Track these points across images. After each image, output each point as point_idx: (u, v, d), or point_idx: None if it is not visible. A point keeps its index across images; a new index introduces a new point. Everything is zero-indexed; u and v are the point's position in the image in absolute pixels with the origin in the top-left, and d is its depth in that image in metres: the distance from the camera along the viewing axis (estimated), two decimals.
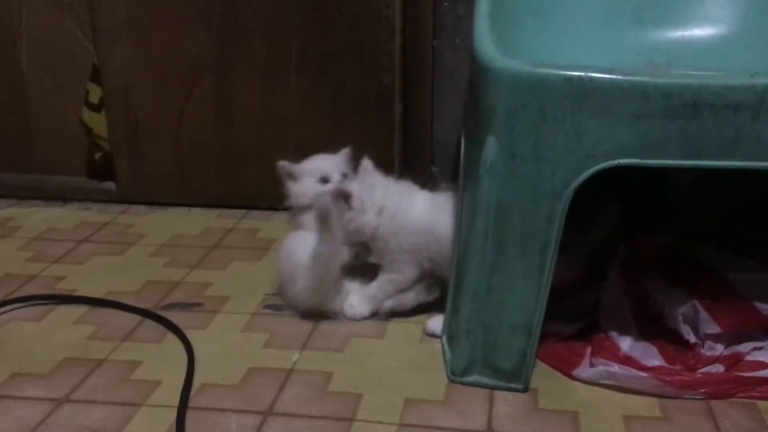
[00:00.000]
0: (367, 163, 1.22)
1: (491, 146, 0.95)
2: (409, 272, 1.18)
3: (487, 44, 0.98)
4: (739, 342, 1.06)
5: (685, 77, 0.89)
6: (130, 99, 1.68)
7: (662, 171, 1.37)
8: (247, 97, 1.64)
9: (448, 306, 1.12)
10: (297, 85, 1.61)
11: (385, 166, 1.53)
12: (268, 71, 1.61)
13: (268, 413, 0.97)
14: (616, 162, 0.91)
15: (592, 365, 1.04)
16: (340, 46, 1.57)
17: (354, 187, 1.18)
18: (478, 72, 0.98)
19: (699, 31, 1.26)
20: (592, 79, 0.90)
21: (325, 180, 1.30)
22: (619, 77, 0.89)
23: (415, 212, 1.17)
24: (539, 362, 1.06)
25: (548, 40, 1.23)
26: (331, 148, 1.60)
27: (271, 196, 1.68)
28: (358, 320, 1.20)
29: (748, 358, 1.04)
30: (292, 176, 1.32)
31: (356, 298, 1.21)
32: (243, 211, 1.70)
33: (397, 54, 1.56)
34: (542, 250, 0.96)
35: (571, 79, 0.90)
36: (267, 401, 0.99)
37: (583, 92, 0.90)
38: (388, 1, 1.52)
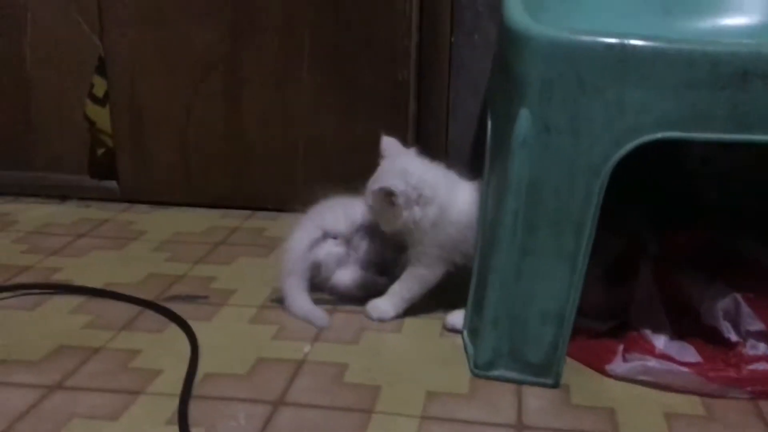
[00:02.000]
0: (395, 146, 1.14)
1: (524, 119, 0.89)
2: (439, 269, 1.09)
3: (519, 12, 0.93)
4: None
5: (735, 45, 0.84)
6: (136, 92, 1.62)
7: (690, 170, 1.32)
8: (257, 93, 1.59)
9: (471, 297, 1.05)
10: (309, 81, 1.56)
11: None
12: (280, 67, 1.56)
13: (279, 403, 0.89)
14: (659, 135, 0.85)
15: (626, 360, 0.97)
16: (354, 42, 1.52)
17: (398, 184, 1.06)
18: (509, 41, 0.92)
19: (730, 21, 1.22)
20: (634, 46, 0.84)
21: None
22: (663, 44, 0.84)
23: (458, 205, 1.08)
24: (568, 359, 0.99)
25: (575, 27, 1.18)
26: (343, 145, 1.56)
27: (278, 196, 1.64)
28: (385, 321, 1.12)
29: None
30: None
31: (380, 299, 1.13)
32: (249, 212, 1.63)
33: (413, 50, 1.51)
34: (577, 232, 0.90)
35: (611, 46, 0.85)
36: (277, 391, 0.92)
37: (624, 60, 0.84)
38: None
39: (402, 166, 1.10)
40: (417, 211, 1.06)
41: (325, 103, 1.56)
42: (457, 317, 1.08)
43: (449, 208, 1.07)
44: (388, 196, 1.06)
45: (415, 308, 1.14)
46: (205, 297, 1.19)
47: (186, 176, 1.66)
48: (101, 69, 1.63)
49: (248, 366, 0.98)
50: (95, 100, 1.65)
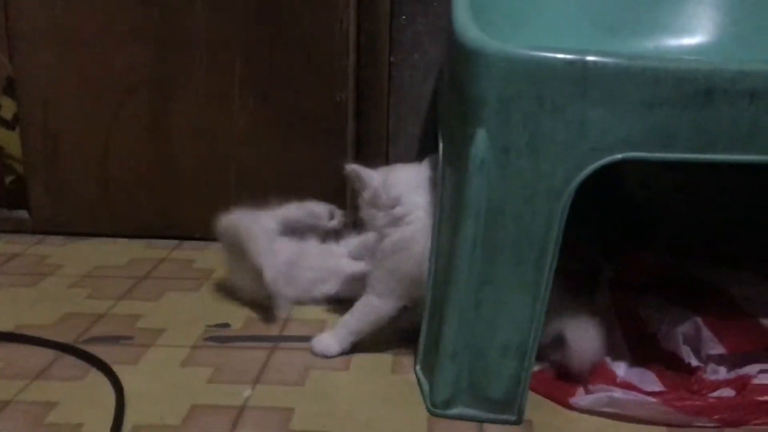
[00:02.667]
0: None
1: (481, 140, 0.84)
2: (393, 302, 1.01)
3: (471, 27, 0.88)
4: (743, 364, 0.97)
5: (699, 62, 0.81)
6: (50, 115, 1.50)
7: (629, 193, 1.30)
8: (185, 116, 1.49)
9: (424, 331, 0.98)
10: (241, 102, 1.47)
11: (337, 187, 1.42)
12: (210, 88, 1.47)
13: None
14: (621, 156, 0.82)
15: (589, 392, 0.92)
16: (289, 62, 1.45)
17: (374, 177, 1.02)
18: (462, 58, 0.87)
19: (674, 41, 1.21)
20: (596, 63, 0.80)
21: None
22: (627, 62, 0.81)
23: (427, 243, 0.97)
24: (531, 393, 0.93)
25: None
26: (279, 169, 1.48)
27: (207, 225, 1.53)
28: (329, 358, 1.03)
29: (756, 381, 0.95)
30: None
31: (326, 333, 1.05)
32: (175, 242, 1.52)
33: (351, 70, 1.45)
34: (539, 258, 0.85)
35: (573, 63, 0.81)
36: None
37: (586, 78, 0.80)
38: (342, 15, 1.42)
39: (399, 173, 1.05)
40: (380, 218, 1.00)
41: (259, 126, 1.48)
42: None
43: (417, 242, 0.99)
44: (358, 181, 1.01)
45: (363, 342, 1.07)
46: (130, 338, 1.08)
47: (106, 205, 1.54)
48: (9, 90, 1.50)
49: (182, 415, 0.88)
50: (3, 123, 1.51)
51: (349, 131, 1.47)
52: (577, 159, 0.82)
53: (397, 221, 1.00)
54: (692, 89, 0.80)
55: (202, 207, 1.52)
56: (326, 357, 1.03)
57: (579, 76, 0.81)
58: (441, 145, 0.97)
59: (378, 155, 1.48)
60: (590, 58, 0.80)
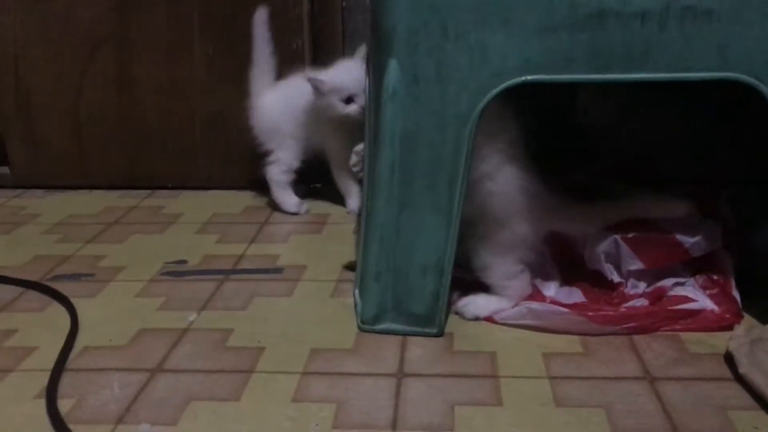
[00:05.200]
0: None
1: (393, 70, 0.88)
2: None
3: None
4: (661, 278, 1.02)
5: None
6: (22, 73, 1.56)
7: (581, 111, 1.33)
8: (149, 69, 1.54)
9: (360, 253, 1.04)
10: (201, 52, 1.52)
11: None
12: (171, 39, 1.52)
13: (157, 370, 0.87)
14: (523, 79, 0.86)
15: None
16: (245, 11, 1.49)
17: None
18: None
19: None
20: None
21: (349, 100, 1.28)
22: None
23: None
24: None
25: None
26: (241, 116, 1.53)
27: (178, 175, 1.60)
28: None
29: (671, 293, 1.00)
30: (318, 91, 1.30)
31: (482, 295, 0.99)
32: (148, 192, 1.59)
33: (306, 17, 1.49)
34: (450, 182, 0.90)
35: None
36: (156, 359, 0.89)
37: (486, 5, 0.84)
38: None
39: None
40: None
41: (220, 76, 1.53)
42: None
43: None
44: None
45: (309, 271, 1.14)
46: (92, 275, 1.16)
47: (81, 158, 1.61)
48: None
49: (128, 337, 0.95)
50: None
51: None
52: (480, 84, 0.86)
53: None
54: (585, 12, 0.83)
55: (171, 157, 1.60)
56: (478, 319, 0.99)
57: (479, 3, 0.84)
58: (366, 80, 1.02)
59: None
60: None
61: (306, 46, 1.50)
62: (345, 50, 1.51)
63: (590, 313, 0.95)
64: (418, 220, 0.92)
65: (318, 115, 1.33)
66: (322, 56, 1.52)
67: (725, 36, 0.84)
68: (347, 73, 1.29)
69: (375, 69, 0.96)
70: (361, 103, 1.26)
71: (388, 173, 0.92)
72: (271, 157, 1.41)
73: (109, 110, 1.57)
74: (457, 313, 0.99)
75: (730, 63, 0.85)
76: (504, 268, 0.98)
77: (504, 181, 0.95)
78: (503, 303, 0.98)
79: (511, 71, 0.86)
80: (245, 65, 1.51)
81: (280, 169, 1.40)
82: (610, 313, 0.95)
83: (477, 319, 0.98)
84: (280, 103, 1.38)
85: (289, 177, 1.40)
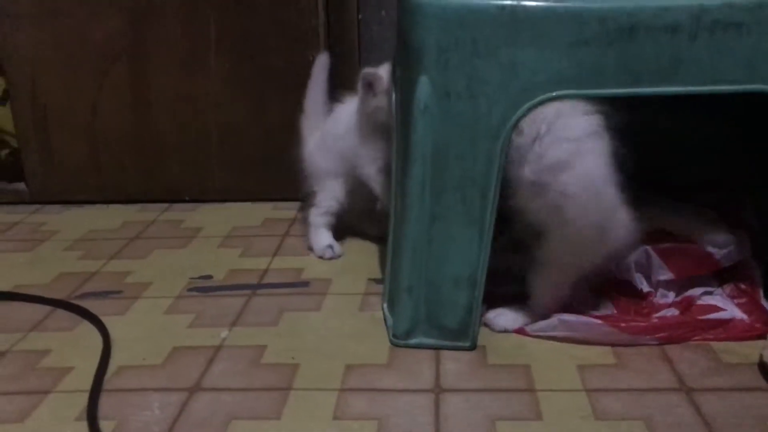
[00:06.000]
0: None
1: (424, 85, 0.89)
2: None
3: None
4: (689, 287, 1.03)
5: (621, 1, 0.85)
6: (38, 88, 1.56)
7: None
8: (164, 83, 1.55)
9: (388, 267, 1.05)
10: (217, 66, 1.52)
11: None
12: (186, 54, 1.52)
13: (195, 389, 0.87)
14: (554, 94, 0.87)
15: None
16: (261, 24, 1.50)
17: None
18: (404, 9, 0.92)
19: None
20: (525, 7, 0.85)
21: None
22: (553, 3, 0.85)
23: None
24: None
25: None
26: (257, 129, 1.54)
27: (195, 187, 1.60)
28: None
29: (700, 302, 1.01)
30: (373, 89, 1.16)
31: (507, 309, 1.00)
32: (165, 205, 1.60)
33: (322, 29, 1.50)
34: (482, 195, 0.91)
35: (503, 7, 0.85)
36: (193, 378, 0.90)
37: (516, 21, 0.85)
38: None
39: None
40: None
41: (236, 89, 1.53)
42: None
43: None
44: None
45: (334, 285, 1.14)
46: (119, 292, 1.16)
47: (98, 173, 1.61)
48: None
49: (163, 356, 0.95)
50: None
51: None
52: (511, 99, 0.87)
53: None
54: (616, 26, 0.84)
55: (188, 170, 1.60)
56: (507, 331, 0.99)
57: (509, 19, 0.85)
58: (393, 95, 1.03)
59: None
60: (519, 2, 0.85)
61: None
62: (361, 62, 1.51)
63: (623, 324, 0.95)
64: (450, 233, 0.93)
65: (360, 123, 1.22)
66: (339, 68, 1.52)
67: (754, 49, 0.85)
68: None
69: (403, 84, 0.96)
70: None
71: (419, 187, 0.92)
72: (313, 200, 1.32)
73: (125, 124, 1.58)
74: (486, 325, 1.00)
75: (759, 75, 0.86)
76: (558, 293, 0.96)
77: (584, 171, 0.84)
78: (534, 315, 0.98)
79: (542, 86, 0.86)
80: (261, 79, 1.52)
81: (318, 212, 1.31)
82: (642, 324, 0.96)
83: (506, 331, 0.99)
84: (321, 141, 1.31)
85: (327, 219, 1.31)
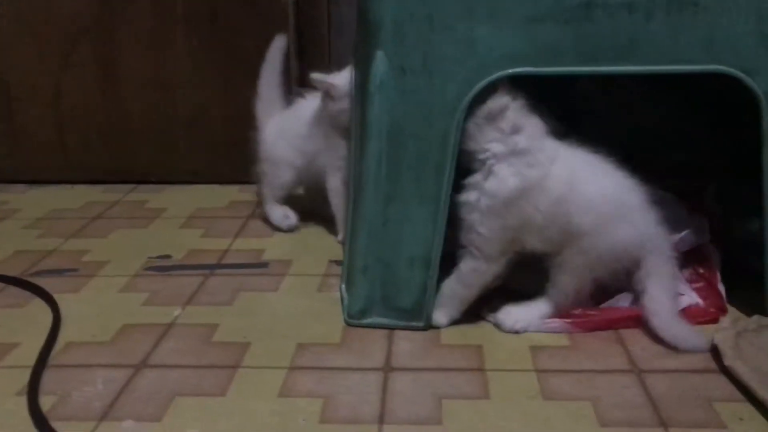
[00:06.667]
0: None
1: (380, 61, 0.88)
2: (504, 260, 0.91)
3: None
4: None
5: None
6: (1, 66, 1.53)
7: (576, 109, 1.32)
8: (131, 62, 1.52)
9: (346, 247, 1.03)
10: (185, 46, 1.50)
11: None
12: (155, 32, 1.50)
13: (141, 366, 0.86)
14: (510, 71, 0.86)
15: None
16: (230, 4, 1.48)
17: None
18: None
19: None
20: None
21: None
22: None
23: None
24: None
25: None
26: (225, 110, 1.52)
27: (161, 169, 1.58)
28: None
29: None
30: (330, 96, 1.15)
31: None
32: (131, 186, 1.57)
33: (291, 10, 1.48)
34: (437, 174, 0.90)
35: None
36: (141, 355, 0.88)
37: None
38: None
39: None
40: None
41: (204, 69, 1.51)
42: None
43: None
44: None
45: (294, 265, 1.13)
46: (75, 270, 1.14)
47: (63, 152, 1.59)
48: None
49: (113, 333, 0.94)
50: None
51: (292, 69, 1.50)
52: (467, 76, 0.86)
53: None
54: (572, 3, 0.83)
55: (155, 151, 1.58)
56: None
57: None
58: (352, 73, 1.01)
59: None
60: None
61: (292, 39, 1.48)
62: (331, 42, 1.50)
63: (577, 320, 0.93)
64: (405, 212, 0.92)
65: (322, 125, 1.21)
66: (308, 49, 1.51)
67: (711, 28, 0.84)
68: None
69: (361, 61, 0.95)
70: None
71: (375, 166, 0.91)
72: (266, 179, 1.31)
73: (91, 103, 1.55)
74: (495, 325, 0.95)
75: (717, 55, 0.85)
76: (575, 295, 0.93)
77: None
78: (541, 311, 0.94)
79: (498, 63, 0.85)
80: (230, 59, 1.50)
81: (270, 188, 1.30)
82: (596, 318, 0.94)
83: (516, 332, 0.93)
84: (280, 132, 1.28)
85: (280, 193, 1.30)
